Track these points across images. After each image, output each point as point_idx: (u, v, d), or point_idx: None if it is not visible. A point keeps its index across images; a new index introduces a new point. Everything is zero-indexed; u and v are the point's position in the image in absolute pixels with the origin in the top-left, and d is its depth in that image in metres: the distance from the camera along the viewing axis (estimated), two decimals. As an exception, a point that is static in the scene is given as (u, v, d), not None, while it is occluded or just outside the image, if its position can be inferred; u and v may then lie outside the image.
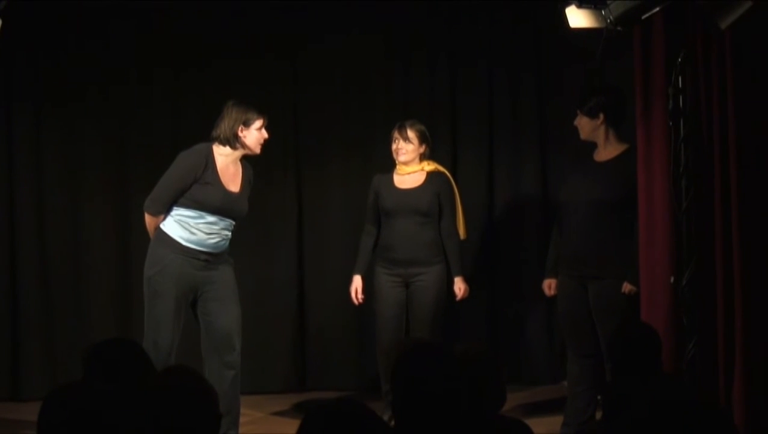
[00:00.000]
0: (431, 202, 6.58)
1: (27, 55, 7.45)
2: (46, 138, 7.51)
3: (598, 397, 6.15)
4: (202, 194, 6.03)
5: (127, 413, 3.04)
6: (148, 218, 6.11)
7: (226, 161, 6.13)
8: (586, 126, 6.15)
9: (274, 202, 7.70)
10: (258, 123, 6.13)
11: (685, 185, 5.58)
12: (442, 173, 6.68)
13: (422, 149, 6.62)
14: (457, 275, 6.66)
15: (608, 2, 5.54)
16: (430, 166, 6.66)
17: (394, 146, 6.61)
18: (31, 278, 7.49)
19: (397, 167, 6.65)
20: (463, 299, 6.75)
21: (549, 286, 6.32)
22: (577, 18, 5.90)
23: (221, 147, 6.12)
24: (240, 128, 6.10)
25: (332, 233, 7.73)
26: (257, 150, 6.17)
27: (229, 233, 6.18)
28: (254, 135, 6.13)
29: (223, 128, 6.11)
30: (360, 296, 6.71)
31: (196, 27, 7.50)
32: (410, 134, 6.57)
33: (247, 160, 6.25)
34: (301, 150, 7.74)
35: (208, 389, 3.22)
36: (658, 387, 4.27)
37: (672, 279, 5.61)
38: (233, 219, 6.16)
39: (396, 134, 6.59)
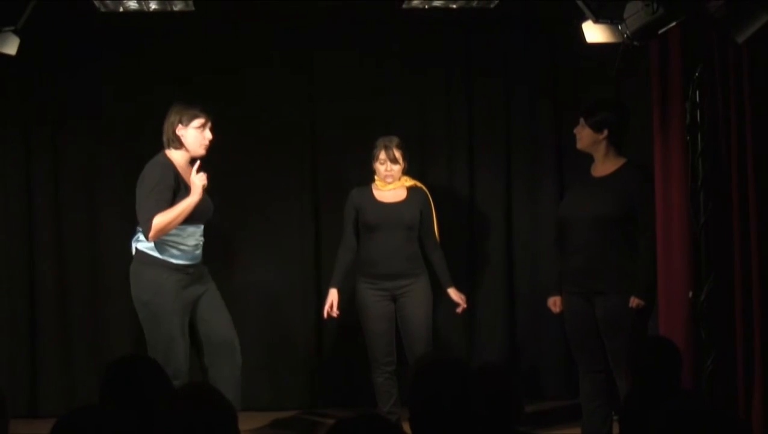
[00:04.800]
0: (414, 216, 6.61)
1: (43, 72, 7.48)
2: (63, 153, 7.54)
3: (613, 412, 6.12)
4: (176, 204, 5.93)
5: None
6: (154, 226, 5.86)
7: (181, 163, 6.05)
8: (587, 138, 6.13)
9: (290, 219, 7.70)
10: (197, 122, 6.02)
11: (703, 199, 5.58)
12: (421, 188, 6.74)
13: (404, 166, 6.64)
14: (450, 286, 6.70)
15: (625, 17, 5.54)
16: (408, 182, 6.70)
17: (382, 168, 6.59)
18: (49, 293, 7.50)
19: (377, 182, 6.66)
20: (460, 307, 6.73)
21: (554, 303, 6.28)
22: (594, 33, 5.90)
23: (170, 151, 6.05)
24: (178, 127, 6.01)
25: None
26: (201, 151, 6.04)
27: (203, 239, 6.16)
28: (193, 134, 6.03)
29: (165, 128, 6.06)
30: (335, 311, 6.67)
31: (211, 42, 7.52)
32: (397, 154, 6.57)
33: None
34: (317, 166, 7.74)
35: (228, 405, 3.21)
36: (676, 402, 4.25)
37: (690, 294, 5.59)
38: (203, 222, 6.11)
39: (383, 156, 6.57)
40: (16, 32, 6.15)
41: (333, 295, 6.67)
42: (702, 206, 5.58)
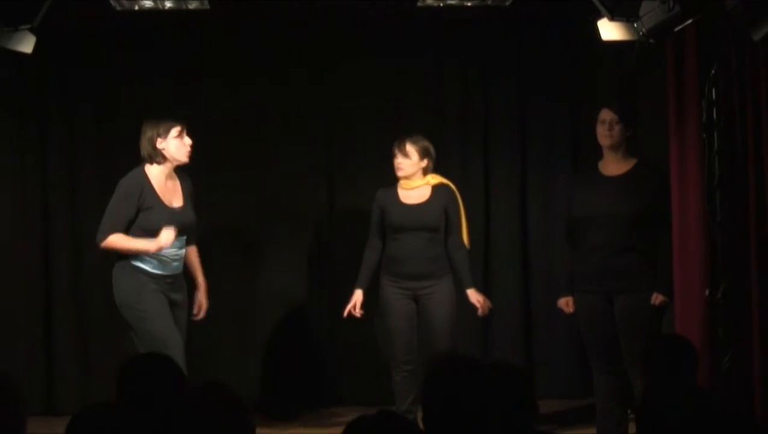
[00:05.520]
0: (438, 217, 6.55)
1: (59, 70, 7.50)
2: (79, 150, 7.56)
3: (629, 412, 6.11)
4: (147, 220, 6.05)
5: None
6: (107, 243, 6.09)
7: (160, 178, 6.14)
8: (619, 135, 6.07)
9: (307, 221, 7.71)
10: (174, 131, 6.12)
11: (720, 197, 5.56)
12: (447, 186, 6.65)
13: (424, 164, 6.58)
14: (470, 287, 6.61)
15: (640, 15, 5.53)
16: (434, 179, 6.63)
17: (394, 161, 6.59)
18: (65, 291, 7.53)
19: (401, 181, 6.61)
20: (485, 313, 6.68)
21: (567, 304, 6.22)
22: (610, 31, 5.89)
23: (150, 166, 6.13)
24: (157, 141, 6.10)
25: (363, 247, 7.71)
26: (183, 159, 6.15)
27: (184, 251, 6.24)
28: (174, 144, 6.12)
29: (143, 145, 6.14)
30: (358, 311, 6.67)
31: (226, 40, 7.53)
32: (409, 148, 6.53)
33: (183, 169, 6.27)
34: (334, 165, 7.75)
35: (243, 404, 3.21)
36: (693, 401, 4.24)
37: (707, 292, 5.58)
38: (183, 234, 6.18)
39: (395, 150, 6.56)
40: (32, 31, 6.17)
41: (357, 295, 6.66)
42: (718, 204, 5.56)
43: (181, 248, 6.19)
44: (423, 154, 6.55)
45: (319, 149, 7.73)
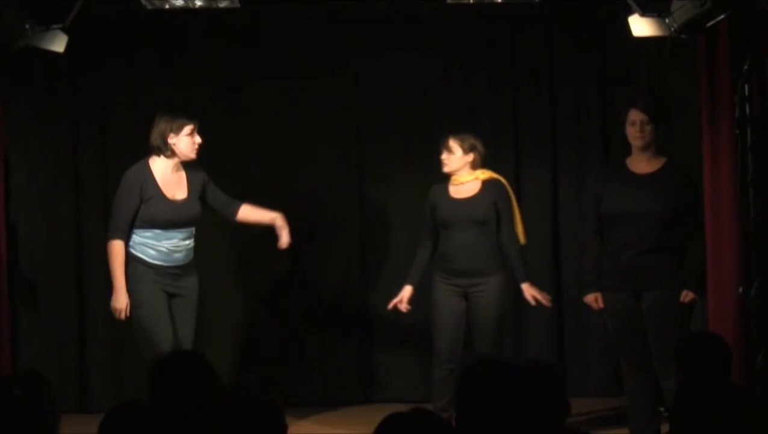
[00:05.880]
0: (488, 211, 6.53)
1: (91, 68, 7.53)
2: (110, 147, 7.59)
3: (661, 410, 6.08)
4: (148, 211, 6.16)
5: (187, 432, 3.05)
6: (110, 247, 6.19)
7: (165, 170, 6.24)
8: (650, 134, 6.04)
9: (337, 214, 7.71)
10: (187, 129, 6.20)
11: (753, 194, 5.53)
12: (498, 180, 6.63)
13: (470, 158, 6.57)
14: (524, 281, 6.56)
15: (672, 10, 5.51)
16: (484, 174, 6.62)
17: (441, 159, 6.62)
18: (98, 288, 7.54)
19: (452, 177, 6.62)
20: (549, 304, 6.64)
21: (596, 299, 6.18)
22: (641, 27, 5.86)
23: (156, 158, 6.22)
24: (169, 136, 6.18)
25: (395, 244, 7.72)
26: (192, 155, 6.25)
27: (192, 241, 6.31)
28: (185, 141, 6.21)
29: (154, 137, 6.22)
30: (404, 305, 6.67)
31: (255, 38, 7.54)
32: (452, 144, 6.54)
33: (189, 165, 6.32)
34: (363, 164, 7.75)
35: (275, 402, 3.22)
36: (726, 399, 4.22)
37: (740, 289, 5.55)
38: (188, 226, 6.27)
39: (441, 147, 6.58)
40: (64, 30, 6.21)
41: (405, 291, 6.66)
42: (751, 201, 5.53)
43: (184, 239, 6.25)
44: (468, 148, 6.55)
45: (348, 148, 7.73)
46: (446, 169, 6.57)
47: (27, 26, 6.06)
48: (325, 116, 7.68)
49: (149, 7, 6.18)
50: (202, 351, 4.06)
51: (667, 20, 5.62)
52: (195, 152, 6.25)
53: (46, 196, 7.58)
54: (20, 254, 7.41)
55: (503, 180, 6.66)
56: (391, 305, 6.69)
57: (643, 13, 5.78)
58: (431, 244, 6.65)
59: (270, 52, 7.58)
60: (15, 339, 7.15)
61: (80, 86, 7.59)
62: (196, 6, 6.29)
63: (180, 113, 6.24)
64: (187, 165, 6.32)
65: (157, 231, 6.17)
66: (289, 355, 7.68)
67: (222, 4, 6.24)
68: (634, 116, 6.02)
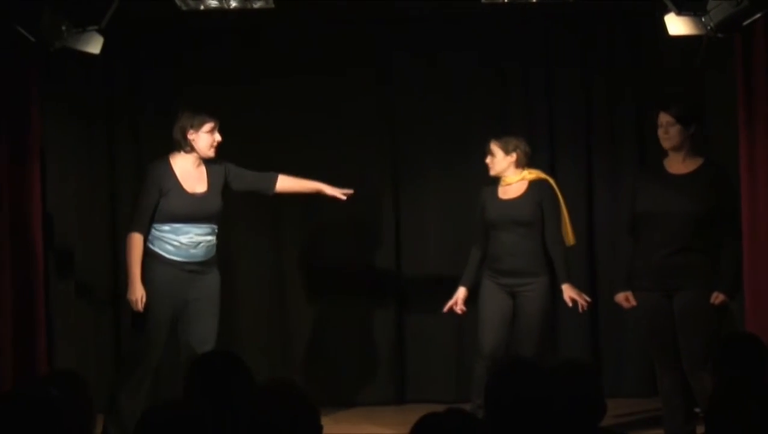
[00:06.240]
0: (532, 212, 6.52)
1: (126, 69, 7.59)
2: (144, 146, 7.61)
3: (696, 410, 6.05)
4: (167, 204, 6.19)
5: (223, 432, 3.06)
6: (128, 239, 6.22)
7: (185, 165, 6.28)
8: (678, 135, 6.01)
9: (371, 213, 7.72)
10: (207, 126, 6.25)
11: (790, 193, 5.49)
12: (544, 181, 6.62)
13: (512, 158, 6.56)
14: (564, 282, 6.52)
15: (708, 9, 5.47)
16: (531, 174, 6.61)
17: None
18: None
19: (501, 178, 6.62)
20: (584, 308, 6.57)
21: (627, 298, 6.17)
22: (677, 26, 5.83)
23: (177, 154, 6.28)
24: (189, 132, 6.23)
25: (430, 245, 7.72)
26: (210, 153, 6.28)
27: (213, 238, 6.32)
28: (204, 138, 6.25)
29: (175, 132, 6.28)
30: (459, 307, 6.67)
31: (290, 39, 7.56)
32: (493, 147, 6.56)
33: (210, 160, 6.32)
34: (397, 163, 7.76)
35: (311, 402, 3.22)
36: (763, 399, 4.19)
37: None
38: (208, 221, 6.26)
39: (485, 152, 6.59)
40: (99, 32, 6.24)
41: (459, 292, 6.68)
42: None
43: (203, 235, 6.25)
44: (510, 149, 6.55)
45: (383, 147, 7.74)
46: (492, 172, 6.59)
47: (63, 28, 6.10)
48: (360, 115, 7.69)
49: (184, 8, 6.20)
50: (235, 352, 4.05)
51: (703, 19, 5.58)
52: (213, 150, 6.28)
53: (81, 194, 7.62)
54: (56, 251, 7.46)
55: (550, 180, 6.64)
56: (446, 308, 6.69)
57: (679, 12, 5.75)
58: (482, 245, 6.66)
59: (305, 51, 7.60)
60: (51, 337, 7.18)
61: (115, 86, 7.64)
62: (231, 7, 6.31)
63: (201, 110, 6.28)
64: (209, 162, 6.34)
65: (175, 225, 6.18)
66: (323, 355, 7.70)
67: (257, 5, 6.26)
68: (661, 117, 6.04)
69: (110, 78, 7.60)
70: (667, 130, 6.00)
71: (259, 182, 6.51)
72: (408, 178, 7.75)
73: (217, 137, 6.28)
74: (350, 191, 6.48)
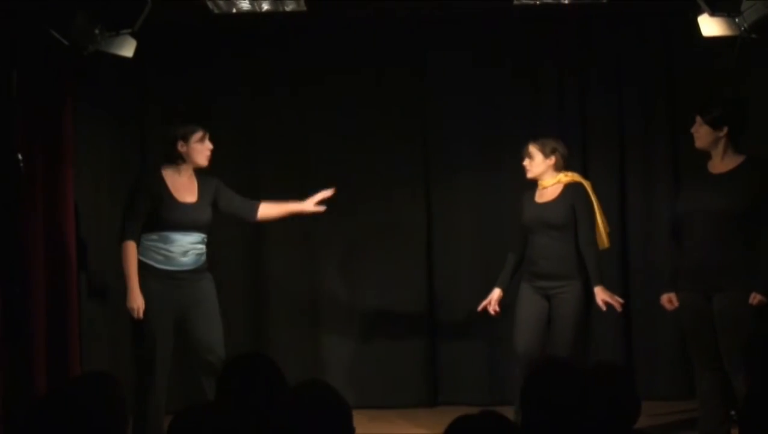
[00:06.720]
0: (565, 215, 6.50)
1: (159, 72, 7.63)
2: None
3: (732, 413, 6.01)
4: (157, 212, 6.14)
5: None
6: (122, 248, 6.16)
7: (175, 176, 6.25)
8: (706, 136, 5.98)
9: (403, 216, 7.72)
10: (197, 136, 6.23)
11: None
12: (578, 183, 6.59)
13: (551, 162, 6.54)
14: (596, 285, 6.45)
15: (742, 9, 5.44)
16: (567, 177, 6.59)
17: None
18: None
19: (539, 181, 6.61)
20: (615, 307, 6.47)
21: (669, 300, 6.15)
22: (710, 27, 5.80)
23: (168, 166, 6.25)
24: (179, 144, 6.21)
25: (462, 247, 7.72)
26: (203, 162, 6.26)
27: (203, 247, 6.28)
28: (195, 148, 6.23)
29: (165, 146, 6.26)
30: (493, 307, 6.66)
31: (323, 41, 7.58)
32: (531, 150, 6.53)
33: (201, 173, 6.31)
34: (430, 164, 7.75)
35: (342, 404, 3.22)
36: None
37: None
38: (198, 230, 6.23)
39: (523, 154, 6.57)
40: (133, 35, 6.28)
41: (494, 293, 6.67)
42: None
43: (192, 243, 6.23)
44: (548, 151, 6.52)
45: (414, 145, 7.73)
46: (529, 175, 6.56)
47: (97, 32, 6.14)
48: (393, 113, 7.69)
49: (216, 11, 6.23)
50: (267, 354, 4.06)
51: (737, 20, 5.55)
52: (206, 158, 6.27)
53: (114, 198, 7.65)
54: (89, 255, 7.50)
55: (585, 182, 6.61)
56: (480, 307, 6.68)
57: (713, 13, 5.72)
58: (518, 248, 6.65)
59: (337, 52, 7.62)
60: (83, 339, 7.23)
61: (148, 89, 7.68)
62: (263, 9, 6.32)
63: (190, 122, 6.29)
64: (199, 172, 6.33)
65: (163, 233, 6.14)
66: (356, 356, 7.70)
67: (289, 8, 6.27)
68: (696, 118, 6.03)
69: (143, 81, 7.64)
70: (697, 130, 5.99)
71: (244, 208, 6.47)
72: (440, 179, 7.75)
73: (209, 145, 6.28)
74: (329, 193, 6.40)
